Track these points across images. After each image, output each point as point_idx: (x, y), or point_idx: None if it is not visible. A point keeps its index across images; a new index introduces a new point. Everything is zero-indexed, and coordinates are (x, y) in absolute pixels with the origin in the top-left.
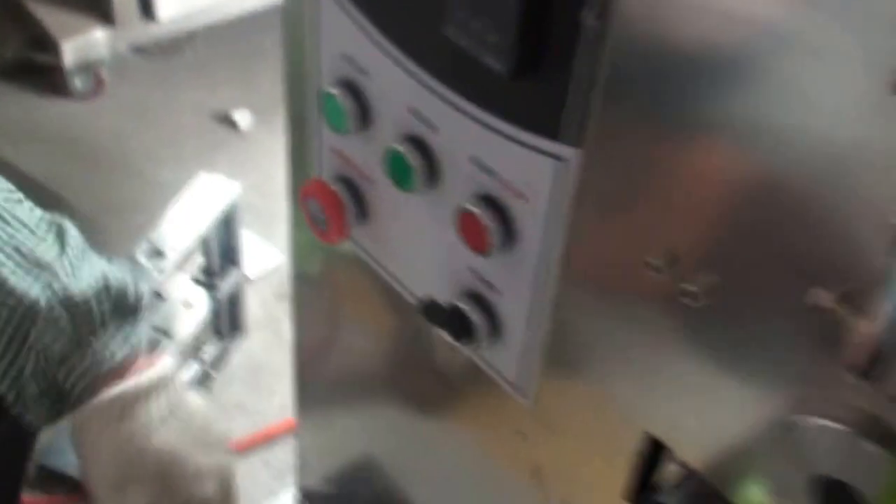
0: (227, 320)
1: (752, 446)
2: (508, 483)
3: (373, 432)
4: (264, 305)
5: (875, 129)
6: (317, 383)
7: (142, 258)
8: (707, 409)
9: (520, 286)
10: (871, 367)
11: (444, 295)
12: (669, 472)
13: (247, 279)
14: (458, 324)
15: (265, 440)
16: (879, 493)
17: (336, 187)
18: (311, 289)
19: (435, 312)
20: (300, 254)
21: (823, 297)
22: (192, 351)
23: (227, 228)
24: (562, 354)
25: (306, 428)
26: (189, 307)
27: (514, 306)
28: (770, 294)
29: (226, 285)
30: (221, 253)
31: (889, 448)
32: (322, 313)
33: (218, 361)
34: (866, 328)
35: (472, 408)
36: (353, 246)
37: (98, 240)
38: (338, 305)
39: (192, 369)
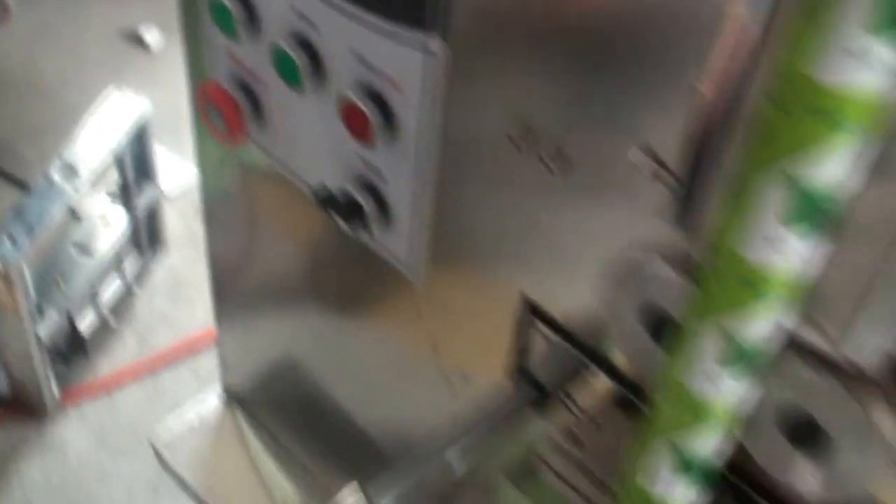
0: (146, 236)
1: (601, 291)
2: (412, 363)
3: (291, 333)
4: (184, 220)
5: None
6: (234, 291)
7: (56, 177)
8: (567, 266)
9: (403, 171)
10: (677, 212)
11: (336, 183)
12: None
13: (164, 196)
14: (349, 209)
15: (190, 350)
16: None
17: (231, 89)
18: (221, 199)
19: (328, 200)
20: (207, 165)
21: (638, 155)
22: (113, 267)
23: (139, 144)
24: (446, 233)
25: (227, 334)
26: (107, 224)
27: (400, 191)
28: (605, 155)
29: (142, 201)
30: (136, 169)
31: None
32: (234, 223)
33: (140, 277)
34: (668, 180)
35: (375, 298)
36: (252, 146)
37: (13, 163)
38: (249, 214)
39: (113, 285)
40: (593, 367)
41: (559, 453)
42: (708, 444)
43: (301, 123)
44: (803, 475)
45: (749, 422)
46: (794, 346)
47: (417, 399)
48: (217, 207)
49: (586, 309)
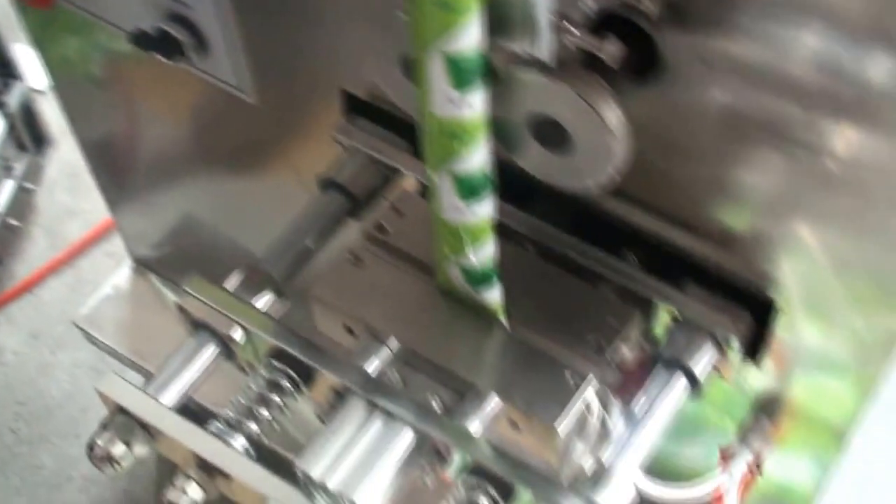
0: (27, 134)
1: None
2: (281, 187)
3: (178, 193)
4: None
5: None
6: (115, 173)
7: None
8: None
9: None
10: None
11: (150, 23)
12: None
13: (36, 91)
14: (167, 45)
15: (101, 234)
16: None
17: None
18: (75, 88)
19: (146, 40)
20: (50, 56)
21: None
22: (1, 170)
23: None
24: (263, 42)
25: (122, 214)
26: None
27: (208, 14)
28: None
29: (12, 99)
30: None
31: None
32: (92, 107)
33: (34, 175)
34: None
35: (237, 138)
36: (63, 5)
37: None
38: (104, 94)
39: (7, 187)
40: (402, 168)
41: (374, 243)
42: (476, 161)
43: None
44: (557, 170)
45: (508, 137)
46: (529, 65)
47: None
48: (73, 96)
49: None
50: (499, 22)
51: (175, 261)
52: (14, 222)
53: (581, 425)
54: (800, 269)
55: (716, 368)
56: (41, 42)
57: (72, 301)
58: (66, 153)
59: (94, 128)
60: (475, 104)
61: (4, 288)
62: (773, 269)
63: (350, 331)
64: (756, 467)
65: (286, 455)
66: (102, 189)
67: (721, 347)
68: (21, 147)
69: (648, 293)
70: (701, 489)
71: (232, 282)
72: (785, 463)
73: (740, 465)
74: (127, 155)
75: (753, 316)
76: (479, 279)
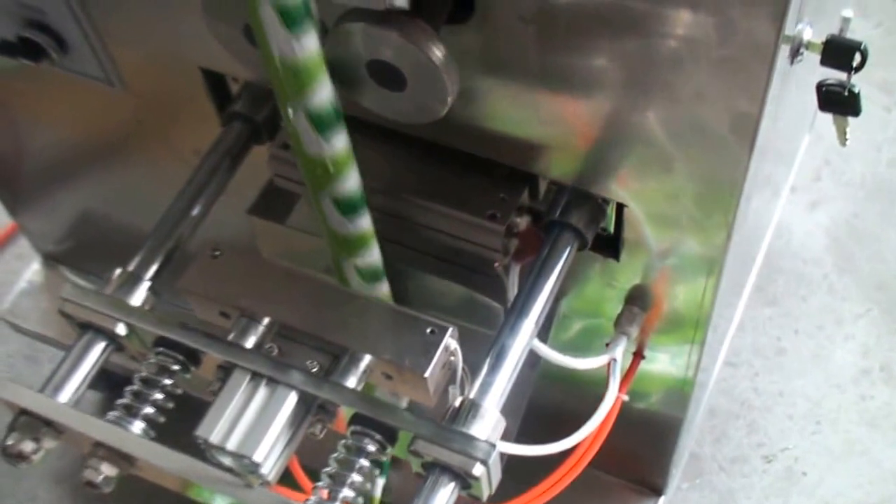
0: None
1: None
2: (163, 165)
3: (74, 189)
4: None
5: None
6: (12, 180)
7: None
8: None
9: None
10: None
11: (14, 33)
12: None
13: None
14: (30, 50)
15: (6, 239)
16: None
17: None
18: None
19: (10, 48)
20: None
21: None
22: None
23: None
24: (118, 38)
25: (23, 217)
26: None
27: (61, 15)
28: None
29: None
30: None
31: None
32: None
33: None
34: None
35: (117, 128)
36: None
37: None
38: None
39: None
40: None
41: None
42: (323, 96)
43: None
44: (396, 107)
45: (351, 81)
46: (360, 16)
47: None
48: None
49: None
50: None
51: (80, 250)
52: None
53: (447, 367)
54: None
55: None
56: None
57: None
58: None
59: None
60: (305, 45)
61: None
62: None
63: (225, 315)
64: (640, 353)
65: None
66: (1, 198)
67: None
68: None
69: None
70: (590, 362)
71: (110, 284)
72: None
73: (620, 345)
74: (19, 163)
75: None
76: (321, 121)
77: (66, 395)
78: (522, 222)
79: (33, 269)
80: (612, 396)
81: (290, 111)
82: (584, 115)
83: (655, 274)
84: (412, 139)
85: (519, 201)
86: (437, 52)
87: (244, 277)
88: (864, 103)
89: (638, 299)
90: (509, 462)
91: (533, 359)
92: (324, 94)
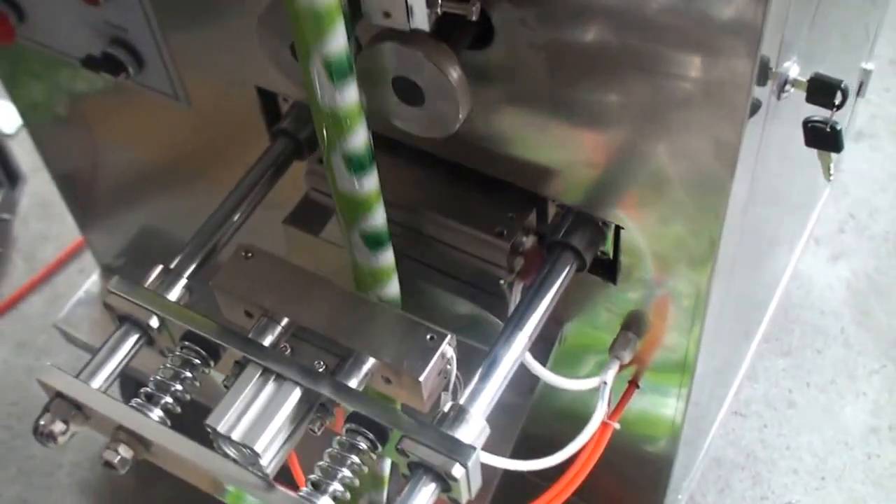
0: (1, 172)
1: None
2: (216, 179)
3: (141, 207)
4: (32, 152)
5: None
6: (84, 196)
7: None
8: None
9: (136, 18)
10: None
11: (98, 49)
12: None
13: (6, 134)
14: (112, 65)
15: (73, 254)
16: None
17: None
18: (46, 128)
19: (94, 63)
20: (22, 101)
21: None
22: None
23: None
24: (187, 59)
25: (90, 231)
26: None
27: (142, 35)
28: None
29: None
30: None
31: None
32: (65, 142)
33: (10, 207)
34: None
35: (183, 146)
36: (22, 41)
37: None
38: (72, 131)
39: None
40: None
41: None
42: (359, 141)
43: (53, 10)
44: (412, 120)
45: (377, 94)
46: (391, 36)
47: None
48: (44, 136)
49: None
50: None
51: (136, 263)
52: None
53: (441, 373)
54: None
55: (603, 253)
56: (11, 90)
57: (51, 314)
58: (36, 186)
59: (64, 161)
60: (349, 95)
61: None
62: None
63: (249, 315)
64: (635, 382)
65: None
66: (73, 213)
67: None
68: None
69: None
70: (581, 383)
71: (149, 280)
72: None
73: (612, 368)
74: (94, 181)
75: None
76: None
77: (97, 383)
78: (528, 242)
79: (91, 280)
80: (600, 417)
81: (328, 154)
82: (585, 139)
83: (651, 301)
84: (431, 157)
85: (526, 222)
86: (454, 73)
87: (270, 279)
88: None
89: (633, 325)
90: (496, 492)
91: (528, 385)
92: (360, 138)
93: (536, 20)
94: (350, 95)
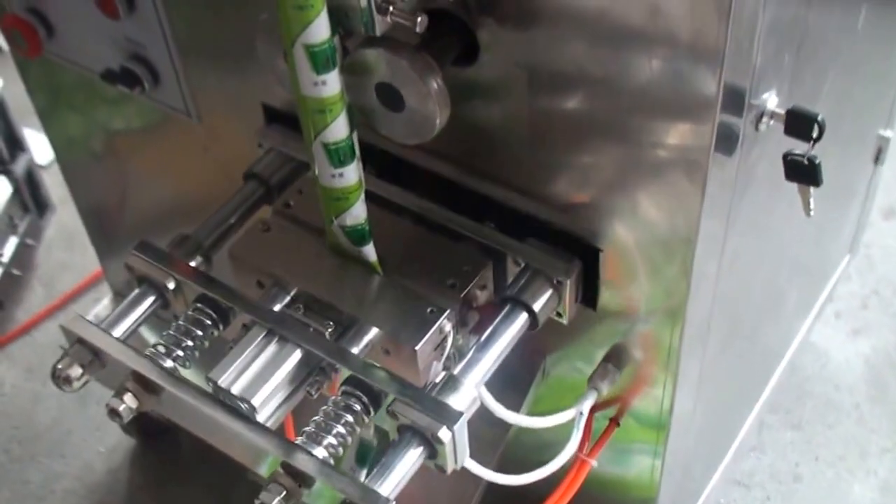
0: (31, 199)
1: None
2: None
3: (164, 239)
4: (62, 184)
5: None
6: (110, 229)
7: None
8: None
9: (154, 35)
10: None
11: (117, 63)
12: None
13: (39, 166)
14: (129, 79)
15: (91, 283)
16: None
17: (25, 15)
18: (75, 162)
19: (112, 76)
20: (57, 138)
21: None
22: (8, 228)
23: (2, 118)
24: (200, 71)
25: (111, 261)
26: None
27: (159, 51)
28: None
29: (18, 167)
30: (5, 140)
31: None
32: (94, 177)
33: (35, 234)
34: None
35: (201, 182)
36: (48, 56)
37: None
38: (98, 168)
39: (11, 242)
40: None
41: (280, 215)
42: (341, 131)
43: (78, 25)
44: (393, 126)
45: (360, 98)
46: (378, 43)
47: None
48: (75, 170)
49: None
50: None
51: None
52: (16, 272)
53: (437, 347)
54: (621, 231)
55: (558, 314)
56: (48, 124)
57: (63, 341)
58: (63, 217)
59: (90, 195)
60: (332, 83)
61: (5, 330)
62: (600, 227)
63: (261, 285)
64: (615, 420)
65: None
66: (95, 244)
67: (557, 290)
68: (25, 209)
69: (497, 246)
70: (553, 419)
71: (170, 247)
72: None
73: (588, 399)
74: (117, 214)
75: (584, 263)
76: (357, 236)
77: (117, 332)
78: (482, 297)
79: (103, 304)
80: (573, 447)
81: (311, 146)
82: (562, 156)
83: (632, 334)
84: (397, 207)
85: (480, 275)
86: (434, 84)
87: (284, 251)
88: None
89: (614, 357)
90: None
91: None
92: (342, 131)
93: (516, 26)
94: (352, 175)
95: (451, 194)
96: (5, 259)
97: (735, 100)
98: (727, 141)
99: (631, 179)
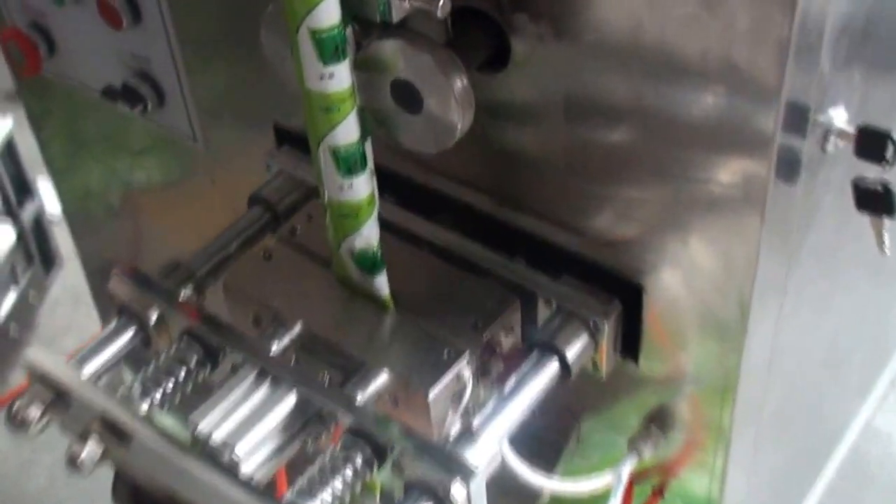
0: (37, 251)
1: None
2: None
3: None
4: None
5: None
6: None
7: None
8: None
9: (162, 52)
10: None
11: (119, 80)
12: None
13: (51, 218)
14: (131, 96)
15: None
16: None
17: (27, 31)
18: (82, 218)
19: (113, 94)
20: (66, 193)
21: None
22: (8, 278)
23: (10, 160)
24: (207, 98)
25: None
26: None
27: (164, 68)
28: None
29: (25, 214)
30: (13, 185)
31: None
32: (104, 232)
33: (39, 289)
34: None
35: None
36: (47, 74)
37: None
38: (119, 223)
39: (10, 297)
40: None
41: (285, 242)
42: (349, 133)
43: (82, 43)
44: (409, 131)
45: (373, 97)
46: (397, 34)
47: None
48: (79, 222)
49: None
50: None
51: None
52: (14, 335)
53: (454, 396)
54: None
55: (594, 363)
56: (58, 179)
57: None
58: (71, 274)
59: (97, 255)
60: (341, 76)
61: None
62: (644, 265)
63: (257, 322)
64: (659, 490)
65: None
66: (98, 304)
67: (593, 335)
68: (29, 260)
69: (527, 284)
70: (586, 485)
71: (159, 275)
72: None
73: (627, 464)
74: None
75: (624, 306)
76: (367, 263)
77: (87, 371)
78: (508, 341)
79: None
80: None
81: (317, 150)
82: (600, 187)
83: (678, 395)
84: (418, 240)
85: (506, 314)
86: (458, 84)
87: (286, 282)
88: None
89: (658, 418)
90: None
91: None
92: (350, 129)
93: (554, 38)
94: (363, 186)
95: (476, 224)
96: (2, 313)
97: (797, 116)
98: (788, 166)
99: (677, 211)
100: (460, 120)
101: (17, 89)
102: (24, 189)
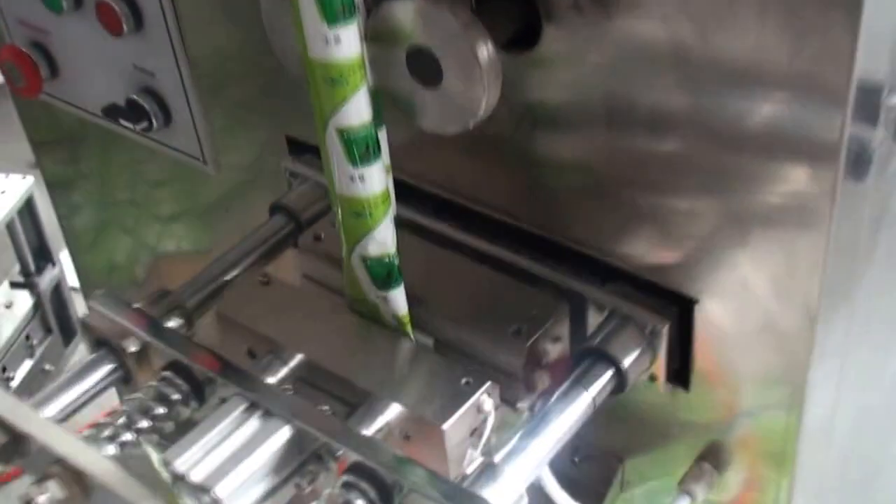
0: (55, 319)
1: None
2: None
3: None
4: None
5: None
6: None
7: None
8: None
9: (166, 64)
10: None
11: (122, 97)
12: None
13: (73, 288)
14: (135, 113)
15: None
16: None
17: (28, 50)
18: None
19: (115, 111)
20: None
21: None
22: (23, 348)
23: (31, 222)
24: (216, 115)
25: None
26: (9, 307)
27: (171, 86)
28: None
29: (44, 283)
30: (32, 251)
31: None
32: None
33: (55, 360)
34: None
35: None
36: (46, 98)
37: None
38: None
39: (25, 366)
40: None
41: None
42: (360, 111)
43: (84, 62)
44: (426, 108)
45: (386, 67)
46: None
47: None
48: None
49: None
50: None
51: None
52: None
53: (474, 431)
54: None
55: (651, 378)
56: (77, 254)
57: None
58: None
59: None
60: (349, 41)
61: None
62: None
63: (252, 354)
64: None
65: None
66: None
67: (650, 342)
68: (47, 329)
69: (576, 287)
70: None
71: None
72: None
73: None
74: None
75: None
76: (383, 273)
77: (50, 412)
78: (554, 351)
79: None
80: None
81: (324, 134)
82: (647, 186)
83: (734, 431)
84: (453, 242)
85: (553, 322)
86: (485, 51)
87: (284, 310)
88: None
89: (711, 455)
90: None
91: None
92: (361, 106)
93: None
94: (376, 178)
95: (513, 238)
96: (15, 383)
97: (868, 99)
98: (858, 159)
99: (735, 215)
100: (485, 94)
101: (36, 160)
102: (44, 255)
